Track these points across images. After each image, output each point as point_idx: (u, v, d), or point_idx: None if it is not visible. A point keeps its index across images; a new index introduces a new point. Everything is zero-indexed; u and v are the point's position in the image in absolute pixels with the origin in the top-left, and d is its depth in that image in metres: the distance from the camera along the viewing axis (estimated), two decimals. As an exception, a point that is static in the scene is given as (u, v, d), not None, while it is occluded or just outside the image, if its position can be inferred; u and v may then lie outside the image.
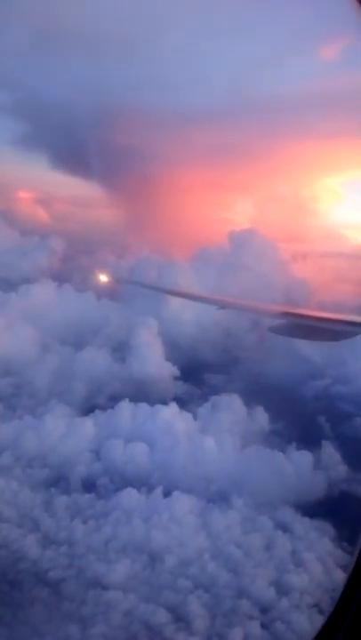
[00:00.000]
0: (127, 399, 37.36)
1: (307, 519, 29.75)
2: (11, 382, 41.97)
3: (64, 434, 33.04)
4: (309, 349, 54.80)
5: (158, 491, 28.58)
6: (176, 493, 28.43)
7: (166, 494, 28.63)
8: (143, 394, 41.39)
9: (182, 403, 41.84)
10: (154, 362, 46.91)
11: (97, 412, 36.79)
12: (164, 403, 38.52)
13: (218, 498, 30.29)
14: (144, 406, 36.76)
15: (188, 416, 37.01)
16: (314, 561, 26.70)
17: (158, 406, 36.91)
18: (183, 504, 27.97)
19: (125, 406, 36.47)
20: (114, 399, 39.63)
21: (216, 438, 34.73)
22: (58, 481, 29.79)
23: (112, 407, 37.00)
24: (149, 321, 50.90)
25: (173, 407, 37.20)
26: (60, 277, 67.52)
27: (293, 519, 29.35)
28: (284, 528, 28.48)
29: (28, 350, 47.21)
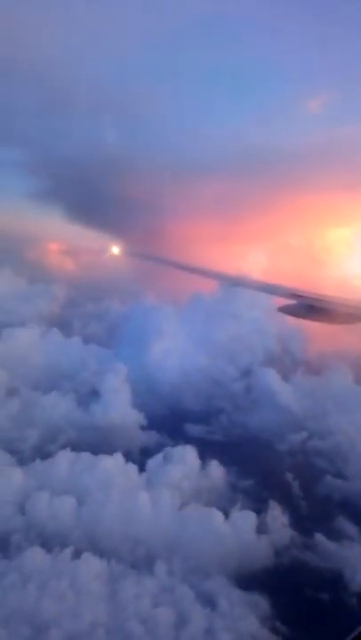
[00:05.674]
0: (68, 448, 35.44)
1: (238, 592, 26.37)
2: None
3: (-9, 484, 31.21)
4: (292, 400, 51.87)
5: (67, 551, 25.99)
6: (86, 555, 25.77)
7: (76, 556, 26.01)
8: (98, 443, 39.36)
9: (141, 453, 39.55)
10: (119, 409, 44.95)
11: (37, 461, 34.85)
12: (119, 453, 36.20)
13: (140, 562, 27.39)
14: (86, 456, 34.60)
15: (134, 468, 34.52)
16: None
17: (101, 456, 34.63)
18: (91, 568, 25.25)
19: (65, 456, 34.45)
20: (65, 448, 37.67)
21: (157, 494, 32.05)
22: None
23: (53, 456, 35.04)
24: (120, 367, 49.37)
25: (118, 458, 34.82)
26: (55, 323, 67.96)
27: (220, 591, 26.01)
28: (205, 601, 25.19)
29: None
